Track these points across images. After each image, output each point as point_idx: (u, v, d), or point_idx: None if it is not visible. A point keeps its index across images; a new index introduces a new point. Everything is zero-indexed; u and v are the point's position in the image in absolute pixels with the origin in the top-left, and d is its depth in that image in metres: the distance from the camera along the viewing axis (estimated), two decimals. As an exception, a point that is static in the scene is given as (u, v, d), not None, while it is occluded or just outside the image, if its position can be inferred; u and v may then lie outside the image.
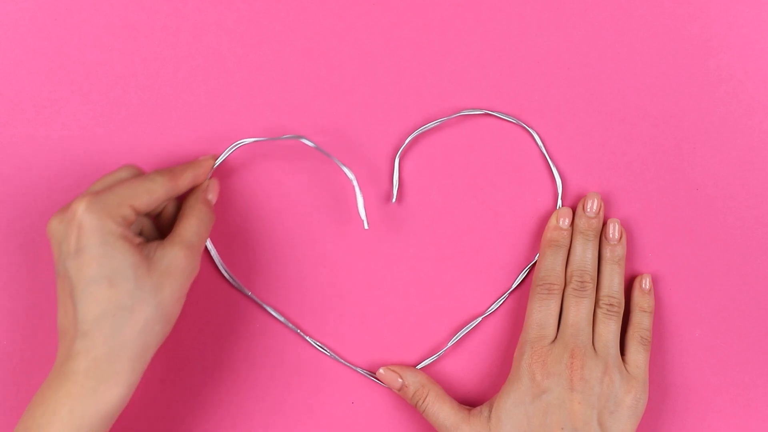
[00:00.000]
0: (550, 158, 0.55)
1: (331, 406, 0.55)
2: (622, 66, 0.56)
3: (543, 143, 0.55)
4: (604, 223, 0.54)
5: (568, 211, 0.54)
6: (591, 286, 0.53)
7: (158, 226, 0.51)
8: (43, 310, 0.54)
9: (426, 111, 0.55)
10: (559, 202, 0.55)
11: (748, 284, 0.55)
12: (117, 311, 0.44)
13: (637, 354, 0.52)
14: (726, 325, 0.55)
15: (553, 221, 0.54)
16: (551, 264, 0.53)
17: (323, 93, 0.55)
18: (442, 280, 0.55)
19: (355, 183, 0.52)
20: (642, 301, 0.54)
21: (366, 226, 0.52)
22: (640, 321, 0.53)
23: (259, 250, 0.55)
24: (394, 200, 0.54)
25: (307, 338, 0.54)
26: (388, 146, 0.55)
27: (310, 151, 0.55)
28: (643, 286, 0.54)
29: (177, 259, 0.46)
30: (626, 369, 0.52)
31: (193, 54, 0.55)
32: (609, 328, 0.52)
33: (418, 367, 0.55)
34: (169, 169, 0.49)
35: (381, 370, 0.54)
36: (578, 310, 0.52)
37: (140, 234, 0.50)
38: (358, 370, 0.54)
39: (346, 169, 0.52)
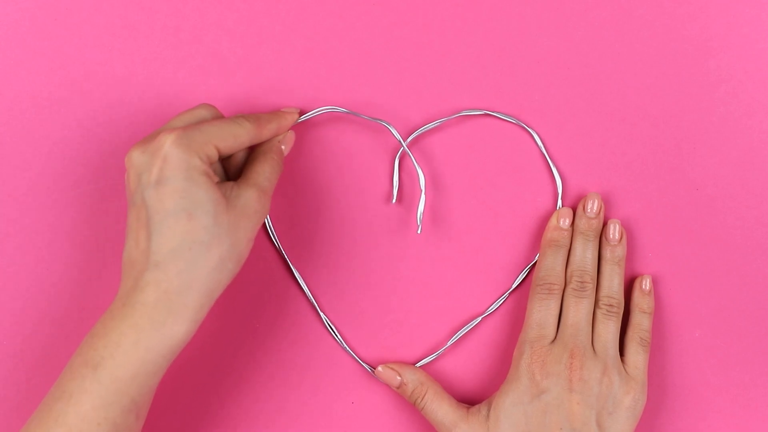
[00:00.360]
0: (550, 158, 0.55)
1: (331, 406, 0.55)
2: (621, 66, 0.56)
3: (543, 143, 0.55)
4: (605, 224, 0.54)
5: (568, 212, 0.54)
6: (591, 287, 0.53)
7: (226, 169, 0.51)
8: (40, 313, 0.54)
9: (426, 111, 0.55)
10: (559, 202, 0.55)
11: (748, 284, 0.55)
12: (193, 245, 0.44)
13: (637, 355, 0.52)
14: (726, 325, 0.55)
15: (553, 221, 0.54)
16: (551, 264, 0.53)
17: (323, 93, 0.55)
18: (442, 279, 0.55)
19: (422, 186, 0.53)
20: (642, 302, 0.54)
21: (419, 231, 0.53)
22: (640, 322, 0.53)
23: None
24: (394, 200, 0.54)
25: (322, 314, 0.54)
26: (388, 146, 0.55)
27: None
28: (644, 287, 0.54)
29: (251, 200, 0.47)
30: (625, 370, 0.52)
31: (193, 54, 0.55)
32: (608, 329, 0.52)
33: (418, 365, 0.55)
34: (256, 116, 0.49)
35: (380, 368, 0.54)
36: (578, 310, 0.52)
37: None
38: (363, 364, 0.54)
39: (419, 171, 0.53)
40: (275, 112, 0.52)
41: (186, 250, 0.44)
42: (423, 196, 0.53)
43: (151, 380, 0.45)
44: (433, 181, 0.55)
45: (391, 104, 0.55)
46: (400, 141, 0.53)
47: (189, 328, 0.44)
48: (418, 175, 0.53)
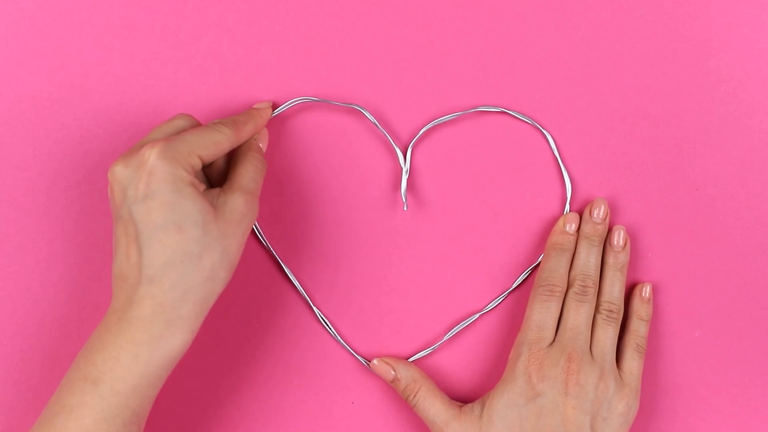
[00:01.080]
0: (562, 162, 0.55)
1: (330, 404, 0.55)
2: (621, 66, 0.56)
3: (557, 147, 0.55)
4: (609, 229, 0.54)
5: (575, 217, 0.54)
6: (593, 291, 0.53)
7: (207, 175, 0.51)
8: (41, 313, 0.54)
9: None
10: (567, 206, 0.55)
11: (748, 284, 0.55)
12: (185, 257, 0.44)
13: (632, 361, 0.52)
14: (726, 325, 0.55)
15: (560, 225, 0.54)
16: (555, 266, 0.53)
17: (325, 92, 0.55)
18: (442, 275, 0.55)
19: (402, 164, 0.53)
20: (641, 309, 0.54)
21: (405, 208, 0.53)
22: (637, 329, 0.53)
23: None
24: (402, 190, 0.54)
25: (315, 309, 0.54)
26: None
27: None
28: (643, 294, 0.54)
29: (238, 205, 0.47)
30: (620, 376, 0.52)
31: (193, 54, 0.55)
32: (607, 334, 0.52)
33: (412, 359, 0.55)
34: (233, 119, 0.49)
35: (375, 361, 0.54)
36: (578, 314, 0.52)
37: None
38: (358, 357, 0.54)
39: (398, 151, 0.53)
40: (249, 112, 0.51)
41: (178, 262, 0.44)
42: (405, 171, 0.53)
43: (152, 391, 0.45)
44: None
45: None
46: (375, 124, 0.53)
47: (186, 338, 0.45)
48: (396, 154, 0.54)
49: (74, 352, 0.51)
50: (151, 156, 0.44)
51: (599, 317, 0.53)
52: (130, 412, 0.44)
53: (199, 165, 0.46)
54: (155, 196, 0.44)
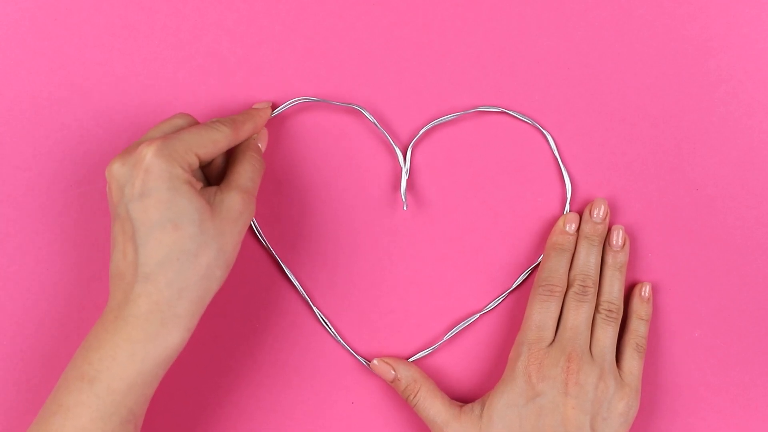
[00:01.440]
0: (562, 162, 0.55)
1: (331, 406, 0.55)
2: (621, 66, 0.56)
3: (557, 147, 0.55)
4: (609, 229, 0.54)
5: (575, 217, 0.54)
6: (592, 291, 0.53)
7: (206, 174, 0.51)
8: (41, 312, 0.54)
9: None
10: (567, 206, 0.55)
11: (748, 284, 0.55)
12: (181, 255, 0.44)
13: (632, 361, 0.52)
14: (726, 325, 0.55)
15: (560, 225, 0.54)
16: (555, 266, 0.53)
17: (326, 92, 0.55)
18: (443, 275, 0.55)
19: (401, 163, 0.53)
20: (640, 308, 0.54)
21: (405, 207, 0.53)
22: (637, 328, 0.53)
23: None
24: (402, 190, 0.54)
25: (315, 309, 0.54)
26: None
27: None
28: (643, 294, 0.54)
29: (235, 203, 0.46)
30: (620, 375, 0.52)
31: (193, 54, 0.55)
32: (607, 334, 0.52)
33: (412, 359, 0.55)
34: (231, 118, 0.49)
35: (375, 361, 0.54)
36: (578, 314, 0.52)
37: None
38: (358, 357, 0.54)
39: (398, 151, 0.53)
40: (248, 111, 0.51)
41: (174, 260, 0.44)
42: (405, 171, 0.53)
43: (148, 390, 0.45)
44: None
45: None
46: (375, 124, 0.53)
47: (182, 337, 0.45)
48: (396, 154, 0.54)
49: (74, 352, 0.51)
50: (148, 154, 0.44)
51: (599, 317, 0.53)
52: (127, 410, 0.44)
53: (196, 163, 0.46)
54: (151, 193, 0.44)
